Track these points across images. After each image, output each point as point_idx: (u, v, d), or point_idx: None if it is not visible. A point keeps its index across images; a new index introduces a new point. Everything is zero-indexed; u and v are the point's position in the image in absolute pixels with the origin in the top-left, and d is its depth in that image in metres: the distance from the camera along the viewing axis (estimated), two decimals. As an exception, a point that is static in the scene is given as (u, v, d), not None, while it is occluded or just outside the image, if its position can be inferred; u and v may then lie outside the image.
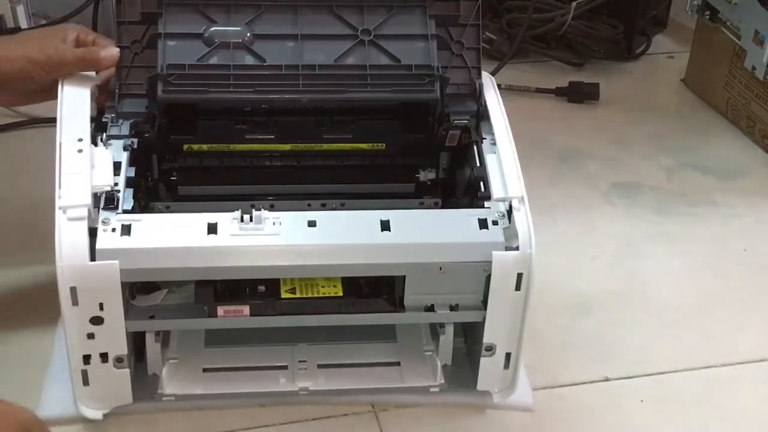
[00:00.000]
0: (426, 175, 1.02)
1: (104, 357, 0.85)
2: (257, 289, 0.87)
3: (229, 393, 0.92)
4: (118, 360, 0.85)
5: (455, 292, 0.88)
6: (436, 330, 0.96)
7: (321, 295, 0.88)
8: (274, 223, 0.83)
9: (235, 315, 0.87)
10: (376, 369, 0.96)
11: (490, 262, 0.85)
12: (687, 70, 1.67)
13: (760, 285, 1.16)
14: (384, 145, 0.99)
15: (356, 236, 0.84)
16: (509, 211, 0.86)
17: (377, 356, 0.97)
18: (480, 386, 0.93)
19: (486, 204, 0.88)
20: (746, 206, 1.32)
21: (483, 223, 0.86)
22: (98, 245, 0.80)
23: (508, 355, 0.91)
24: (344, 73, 0.92)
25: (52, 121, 1.36)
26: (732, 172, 1.41)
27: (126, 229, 0.81)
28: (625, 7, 1.71)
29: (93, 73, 0.93)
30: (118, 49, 0.92)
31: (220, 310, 0.87)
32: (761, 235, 1.26)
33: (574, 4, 1.65)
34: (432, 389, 0.94)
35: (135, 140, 0.90)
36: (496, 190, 0.88)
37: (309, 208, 0.97)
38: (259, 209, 0.84)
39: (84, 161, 0.83)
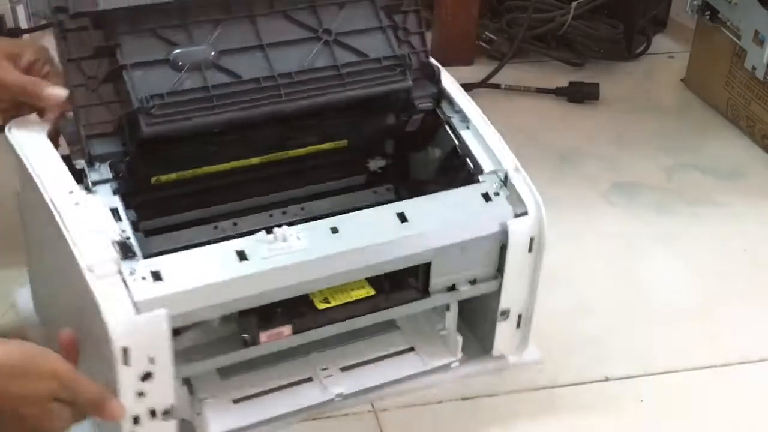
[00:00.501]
0: (376, 164, 1.02)
1: (153, 413, 0.80)
2: (292, 308, 0.86)
3: (272, 417, 0.91)
4: (166, 413, 0.80)
5: (473, 267, 0.91)
6: (438, 309, 0.96)
7: (355, 299, 0.89)
8: (298, 238, 0.83)
9: (277, 338, 0.86)
10: (396, 359, 0.96)
11: (506, 231, 0.89)
12: (687, 70, 1.67)
13: (760, 285, 1.16)
14: (346, 141, 0.99)
15: (381, 234, 0.85)
16: (504, 181, 0.90)
17: (390, 347, 0.97)
18: (496, 351, 0.96)
19: (480, 178, 0.91)
20: (746, 206, 1.32)
21: (486, 197, 0.89)
22: (137, 297, 0.76)
23: (519, 317, 0.94)
24: (320, 75, 0.91)
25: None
26: (732, 172, 1.41)
27: (156, 275, 0.77)
28: (625, 7, 1.71)
29: (35, 115, 0.88)
30: (66, 91, 0.85)
31: (263, 336, 0.86)
32: (761, 235, 1.26)
33: (574, 4, 1.65)
34: (453, 365, 0.96)
35: (121, 182, 0.85)
36: (486, 164, 0.91)
37: (271, 219, 0.96)
38: (280, 225, 0.83)
39: (86, 214, 0.80)
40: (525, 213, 0.89)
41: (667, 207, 1.31)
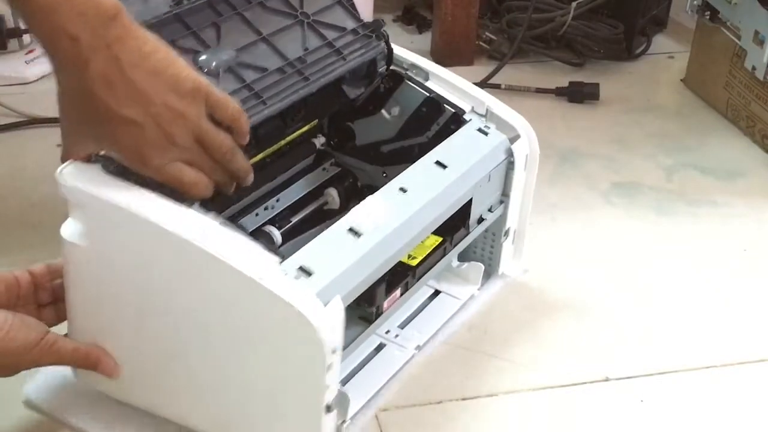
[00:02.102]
0: (319, 141, 1.04)
1: (328, 408, 0.79)
2: (393, 271, 0.89)
3: (380, 388, 0.94)
4: (330, 405, 0.80)
5: (492, 194, 1.02)
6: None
7: (430, 249, 0.96)
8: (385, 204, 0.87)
9: (392, 303, 0.91)
10: (433, 304, 1.05)
11: (512, 155, 1.00)
12: (687, 70, 1.67)
13: (760, 285, 1.16)
14: (316, 121, 1.01)
15: (439, 182, 0.91)
16: (485, 115, 1.00)
17: (421, 296, 1.05)
18: (501, 270, 1.09)
19: (466, 117, 0.99)
20: (746, 206, 1.32)
21: (482, 131, 0.99)
22: (315, 291, 0.75)
23: (514, 233, 1.08)
24: (322, 55, 0.93)
25: (52, 121, 1.37)
26: (732, 172, 1.41)
27: (305, 270, 0.77)
28: (625, 7, 1.71)
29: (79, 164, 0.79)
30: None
31: (386, 304, 0.90)
32: (761, 235, 1.26)
33: (574, 4, 1.65)
34: (475, 295, 1.07)
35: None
36: (464, 104, 1.00)
37: (257, 217, 0.97)
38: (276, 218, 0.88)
39: (218, 232, 0.76)
40: (518, 136, 1.00)
41: (667, 207, 1.31)
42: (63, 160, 0.78)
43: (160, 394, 0.85)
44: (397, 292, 0.92)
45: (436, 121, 1.01)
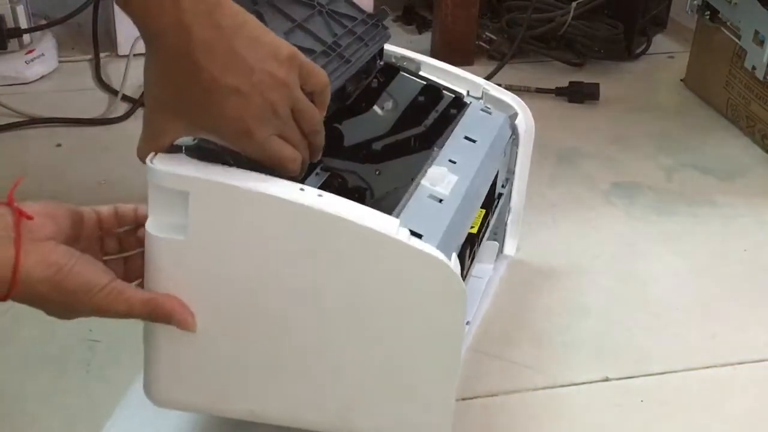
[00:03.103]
0: None
1: None
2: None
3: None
4: None
5: (503, 170, 1.05)
6: None
7: (481, 218, 0.98)
8: (449, 171, 0.87)
9: (467, 269, 0.92)
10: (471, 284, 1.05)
11: (516, 131, 1.03)
12: (687, 70, 1.67)
13: (760, 285, 1.16)
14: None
15: (476, 154, 0.92)
16: (481, 97, 1.03)
17: None
18: (506, 250, 1.14)
19: (466, 101, 1.01)
20: (746, 206, 1.32)
21: (486, 111, 1.01)
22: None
23: (514, 211, 1.11)
24: (349, 40, 0.94)
25: (52, 121, 1.37)
26: (732, 172, 1.41)
27: (414, 233, 0.74)
28: (625, 7, 1.71)
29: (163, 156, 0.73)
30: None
31: (467, 263, 0.92)
32: (761, 235, 1.26)
33: (574, 4, 1.65)
34: (490, 274, 1.11)
35: None
36: (461, 89, 1.02)
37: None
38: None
39: (340, 200, 0.74)
40: (516, 114, 1.03)
41: (667, 207, 1.31)
42: (144, 151, 0.72)
43: (265, 396, 0.79)
44: (469, 259, 0.93)
45: (434, 108, 1.01)
